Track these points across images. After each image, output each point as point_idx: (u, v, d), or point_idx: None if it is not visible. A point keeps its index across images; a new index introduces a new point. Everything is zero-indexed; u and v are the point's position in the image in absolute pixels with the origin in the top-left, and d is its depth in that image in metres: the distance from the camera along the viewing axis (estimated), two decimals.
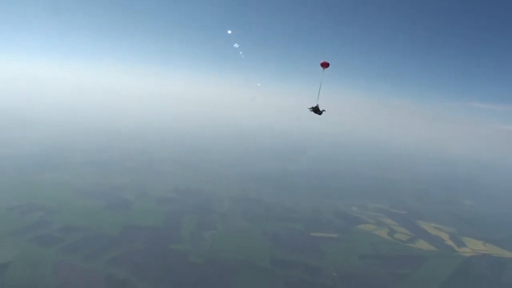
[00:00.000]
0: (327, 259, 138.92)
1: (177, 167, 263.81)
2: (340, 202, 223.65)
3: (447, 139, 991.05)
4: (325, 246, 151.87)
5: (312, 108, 55.42)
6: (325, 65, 54.74)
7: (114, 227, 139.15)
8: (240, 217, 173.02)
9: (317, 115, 56.25)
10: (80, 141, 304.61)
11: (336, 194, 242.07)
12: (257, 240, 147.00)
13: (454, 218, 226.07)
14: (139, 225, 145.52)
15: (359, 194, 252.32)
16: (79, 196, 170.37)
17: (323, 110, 55.71)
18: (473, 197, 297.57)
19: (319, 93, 56.61)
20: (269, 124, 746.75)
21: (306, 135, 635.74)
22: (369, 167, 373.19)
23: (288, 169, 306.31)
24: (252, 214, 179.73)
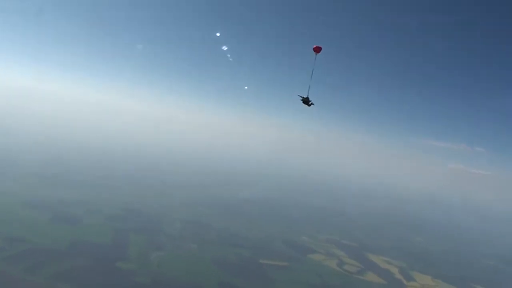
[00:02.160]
0: (275, 286, 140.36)
1: (130, 184, 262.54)
2: (291, 231, 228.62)
3: (400, 175, 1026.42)
4: (273, 273, 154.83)
5: (302, 98, 55.32)
6: (317, 49, 54.09)
7: (59, 241, 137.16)
8: (189, 240, 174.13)
9: (306, 106, 55.64)
10: (32, 152, 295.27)
11: (287, 223, 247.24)
12: (205, 264, 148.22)
13: (404, 253, 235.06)
14: (86, 240, 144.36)
15: (310, 224, 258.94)
16: (26, 207, 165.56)
17: (312, 104, 55.79)
18: (422, 233, 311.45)
19: (310, 83, 55.90)
20: (226, 150, 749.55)
21: (262, 163, 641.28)
22: (322, 198, 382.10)
23: (240, 196, 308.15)
24: (201, 237, 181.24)
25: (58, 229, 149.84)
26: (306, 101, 55.17)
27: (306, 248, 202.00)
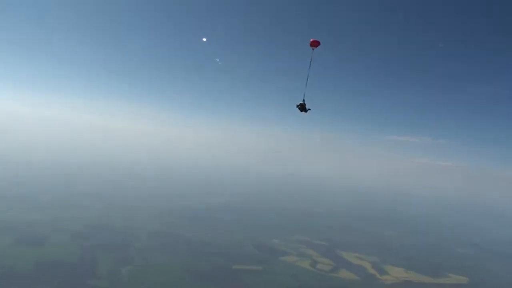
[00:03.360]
0: None
1: (94, 200, 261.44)
2: (262, 235, 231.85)
3: (368, 172, 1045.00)
4: (247, 278, 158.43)
5: (299, 105, 53.28)
6: (315, 43, 52.04)
7: (26, 264, 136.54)
8: (159, 251, 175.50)
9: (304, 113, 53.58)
10: None
11: (257, 228, 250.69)
12: (177, 274, 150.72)
13: (375, 248, 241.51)
14: (54, 261, 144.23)
15: (281, 227, 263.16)
16: None
17: (309, 109, 53.63)
18: (392, 227, 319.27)
19: (306, 85, 53.92)
20: (193, 159, 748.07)
21: (228, 170, 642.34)
22: (290, 200, 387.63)
23: (208, 204, 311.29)
24: (171, 248, 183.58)
25: (23, 251, 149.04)
26: (303, 107, 53.04)
27: (278, 250, 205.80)
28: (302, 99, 52.82)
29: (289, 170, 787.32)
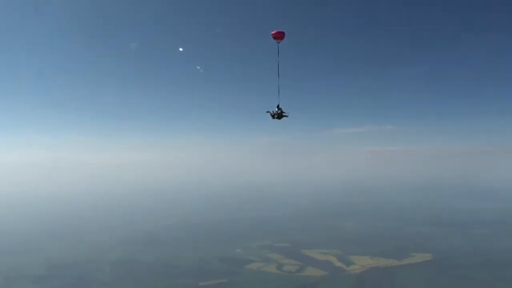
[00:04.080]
0: None
1: (50, 240, 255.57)
2: (224, 247, 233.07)
3: (320, 169, 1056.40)
4: None
5: (274, 112, 50.08)
6: (279, 36, 49.36)
7: None
8: (123, 280, 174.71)
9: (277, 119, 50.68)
10: None
11: (219, 241, 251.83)
12: None
13: (338, 241, 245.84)
14: None
15: (242, 236, 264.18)
16: None
17: (285, 115, 50.49)
18: (352, 218, 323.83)
19: (278, 87, 50.55)
20: (139, 183, 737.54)
21: (181, 188, 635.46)
22: (248, 209, 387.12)
23: (165, 225, 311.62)
24: (135, 275, 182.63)
25: None
26: (279, 114, 49.97)
27: (243, 259, 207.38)
28: (276, 106, 49.98)
29: (242, 179, 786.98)
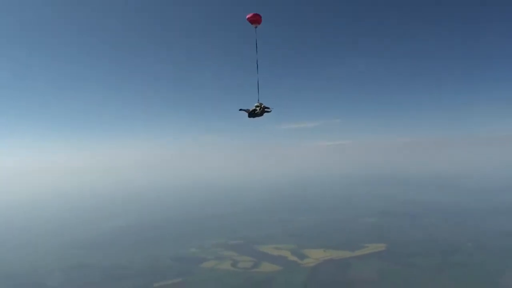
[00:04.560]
0: None
1: None
2: (177, 247, 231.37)
3: (269, 164, 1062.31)
4: None
5: (252, 110, 45.34)
6: (255, 19, 44.30)
7: None
8: (75, 286, 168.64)
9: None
10: None
11: (172, 241, 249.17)
12: None
13: (292, 235, 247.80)
14: None
15: (195, 235, 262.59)
16: None
17: (267, 110, 45.79)
18: (303, 213, 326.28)
19: (258, 81, 45.58)
20: (86, 185, 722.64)
21: (127, 189, 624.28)
22: (198, 207, 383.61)
23: (115, 226, 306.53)
24: (87, 280, 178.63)
25: None
26: (260, 110, 45.27)
27: (197, 258, 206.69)
28: (256, 103, 45.13)
29: (192, 178, 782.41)
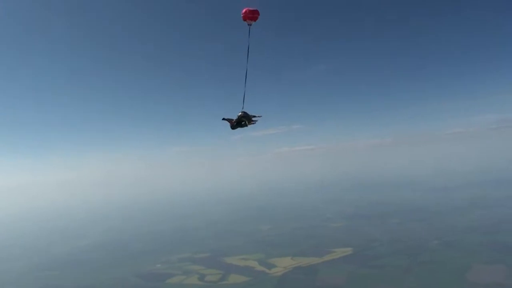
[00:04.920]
0: None
1: None
2: (143, 263, 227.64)
3: (232, 173, 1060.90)
4: None
5: (235, 120, 39.93)
6: (252, 15, 38.09)
7: None
8: None
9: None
10: None
11: (136, 258, 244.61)
12: None
13: (258, 245, 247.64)
14: None
15: (160, 250, 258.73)
16: None
17: (254, 119, 40.52)
18: (268, 221, 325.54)
19: (245, 84, 39.74)
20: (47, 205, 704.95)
21: (89, 207, 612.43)
22: (163, 221, 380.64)
23: (80, 246, 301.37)
24: None
25: None
26: (245, 119, 39.90)
27: (163, 274, 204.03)
28: (240, 112, 39.67)
29: (155, 191, 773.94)
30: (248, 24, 38.16)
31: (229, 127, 40.22)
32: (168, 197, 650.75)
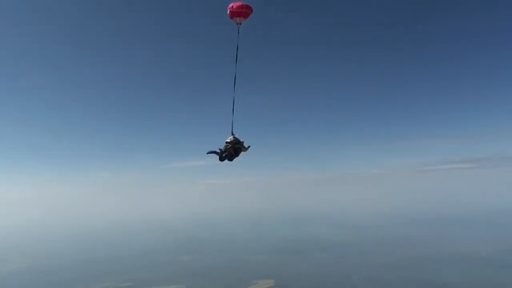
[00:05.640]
0: None
1: None
2: None
3: (160, 204, 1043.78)
4: None
5: (224, 149, 34.47)
6: (241, 11, 33.09)
7: None
8: None
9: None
10: None
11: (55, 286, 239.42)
12: None
13: (183, 276, 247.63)
14: None
15: (81, 280, 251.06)
16: None
17: (243, 148, 35.07)
18: (195, 252, 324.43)
19: (233, 106, 34.67)
20: None
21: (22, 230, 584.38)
22: (84, 250, 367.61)
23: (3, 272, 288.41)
24: None
25: None
26: (235, 149, 34.48)
27: None
28: (231, 136, 35.05)
29: (78, 219, 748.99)
30: (237, 24, 33.18)
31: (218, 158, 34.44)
32: (98, 225, 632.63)
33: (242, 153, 35.02)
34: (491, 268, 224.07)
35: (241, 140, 34.58)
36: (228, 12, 33.17)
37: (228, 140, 34.72)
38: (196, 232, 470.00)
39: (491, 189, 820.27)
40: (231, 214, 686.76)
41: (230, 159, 33.89)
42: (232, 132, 35.05)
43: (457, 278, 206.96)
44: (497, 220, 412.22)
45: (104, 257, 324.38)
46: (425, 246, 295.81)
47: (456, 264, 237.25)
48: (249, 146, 34.60)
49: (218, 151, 34.41)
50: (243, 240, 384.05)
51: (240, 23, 32.87)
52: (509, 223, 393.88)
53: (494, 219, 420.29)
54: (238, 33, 32.89)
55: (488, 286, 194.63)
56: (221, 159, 33.90)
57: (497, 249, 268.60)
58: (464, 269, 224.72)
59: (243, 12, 32.86)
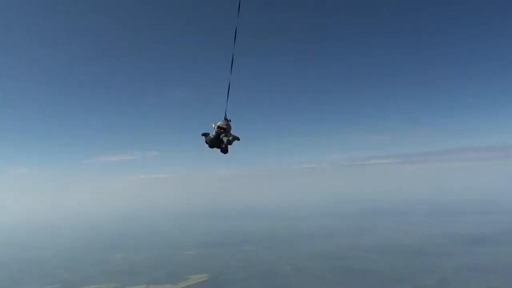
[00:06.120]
0: None
1: None
2: None
3: (85, 201, 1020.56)
4: None
5: (214, 135, 29.90)
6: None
7: None
8: None
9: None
10: None
11: None
12: None
13: (111, 274, 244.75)
14: None
15: (2, 282, 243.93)
16: None
17: (233, 140, 29.91)
18: (122, 250, 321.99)
19: (229, 87, 29.92)
20: None
21: None
22: (8, 250, 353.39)
23: None
24: None
25: None
26: (224, 135, 29.98)
27: None
28: (223, 120, 30.92)
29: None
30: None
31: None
32: (12, 224, 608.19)
33: (229, 146, 30.06)
34: (411, 255, 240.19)
35: (229, 128, 30.56)
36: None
37: (220, 124, 30.57)
38: (122, 229, 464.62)
39: (415, 183, 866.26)
40: (157, 210, 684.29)
41: (224, 151, 29.83)
42: (225, 116, 30.84)
43: (380, 266, 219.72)
44: (415, 211, 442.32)
45: (28, 259, 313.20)
46: (350, 236, 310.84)
47: (376, 252, 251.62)
48: (235, 138, 30.04)
49: (212, 136, 29.99)
50: (169, 236, 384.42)
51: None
52: (425, 214, 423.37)
53: (414, 210, 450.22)
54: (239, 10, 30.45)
55: (405, 272, 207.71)
56: (211, 146, 29.73)
57: (415, 239, 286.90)
58: (385, 257, 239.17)
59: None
